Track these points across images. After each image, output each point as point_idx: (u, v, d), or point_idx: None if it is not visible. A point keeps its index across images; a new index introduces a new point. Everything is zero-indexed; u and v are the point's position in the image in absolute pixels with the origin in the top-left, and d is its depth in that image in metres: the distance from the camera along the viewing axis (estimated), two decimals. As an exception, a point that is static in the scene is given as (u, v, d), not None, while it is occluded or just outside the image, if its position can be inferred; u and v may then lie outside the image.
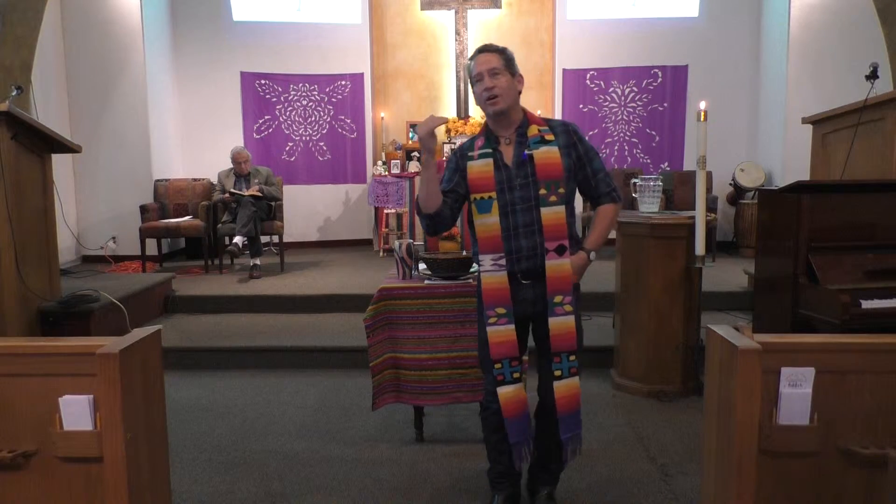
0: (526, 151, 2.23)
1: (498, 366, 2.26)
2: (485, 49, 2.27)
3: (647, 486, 2.69)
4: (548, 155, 2.22)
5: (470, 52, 7.61)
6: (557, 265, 2.22)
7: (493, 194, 2.23)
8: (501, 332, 2.25)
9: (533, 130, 2.26)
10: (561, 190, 2.23)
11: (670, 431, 3.22)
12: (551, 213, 2.22)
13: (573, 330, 2.25)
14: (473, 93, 2.29)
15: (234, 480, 2.79)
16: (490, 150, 2.26)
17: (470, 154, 2.29)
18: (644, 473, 2.79)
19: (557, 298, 2.23)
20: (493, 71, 2.21)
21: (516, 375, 2.27)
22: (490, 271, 2.25)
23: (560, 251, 2.23)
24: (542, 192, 2.21)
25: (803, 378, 1.80)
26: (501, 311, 2.25)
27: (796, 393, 1.80)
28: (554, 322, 2.23)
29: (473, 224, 2.31)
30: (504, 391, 2.26)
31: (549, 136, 2.25)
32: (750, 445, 1.79)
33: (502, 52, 2.26)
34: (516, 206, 2.23)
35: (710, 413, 2.04)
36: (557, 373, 2.25)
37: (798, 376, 1.80)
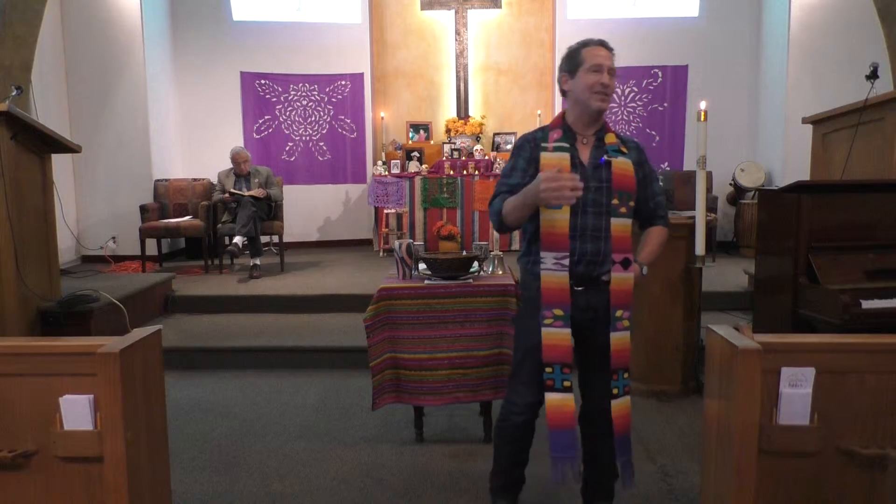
0: (604, 157, 2.17)
1: (549, 370, 2.16)
2: (604, 45, 2.18)
3: (647, 486, 2.69)
4: (625, 166, 2.17)
5: (470, 52, 7.77)
6: (623, 278, 2.16)
7: None
8: (557, 335, 2.14)
9: (612, 139, 2.20)
10: (631, 203, 2.18)
11: (670, 431, 3.22)
12: (620, 225, 2.15)
13: (629, 346, 2.19)
14: (574, 79, 2.18)
15: (234, 480, 2.79)
16: (567, 146, 2.18)
17: (544, 145, 2.19)
18: (644, 473, 2.79)
19: (619, 313, 2.16)
20: (612, 70, 2.15)
21: (567, 384, 2.14)
22: (551, 270, 2.14)
23: (625, 264, 2.16)
24: (615, 201, 2.15)
25: (803, 378, 1.80)
26: (559, 312, 2.14)
27: (796, 393, 1.80)
28: (615, 337, 2.16)
29: (536, 219, 2.18)
30: (552, 398, 2.14)
31: (624, 150, 2.20)
32: (750, 445, 1.79)
33: (615, 55, 2.20)
34: (588, 208, 2.15)
35: (710, 413, 2.04)
36: (615, 391, 2.17)
37: (798, 376, 1.80)
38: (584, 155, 2.19)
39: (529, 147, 2.22)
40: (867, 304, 2.70)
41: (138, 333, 1.97)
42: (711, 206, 6.31)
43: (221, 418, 3.47)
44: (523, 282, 2.30)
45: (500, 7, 7.78)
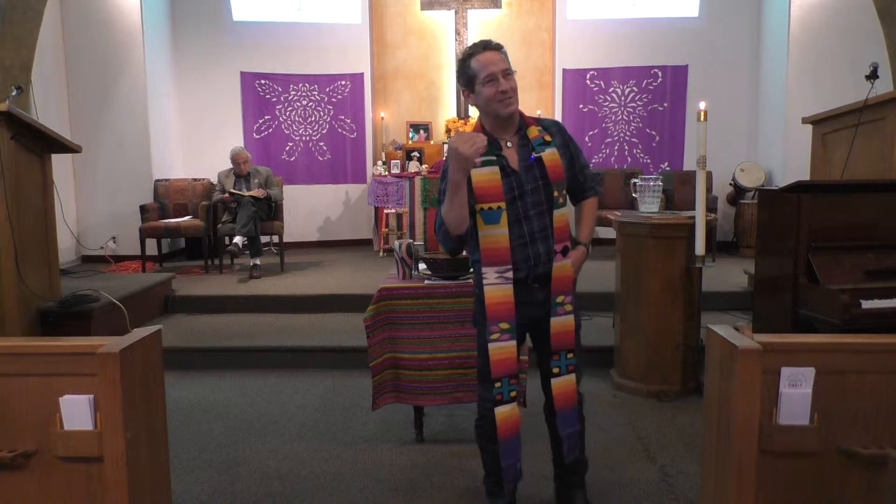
0: (533, 155, 2.16)
1: (498, 384, 2.19)
2: (488, 47, 2.14)
3: (647, 486, 2.69)
4: (553, 157, 2.17)
5: (470, 52, 7.72)
6: (561, 266, 2.20)
7: (503, 204, 2.12)
8: (503, 349, 2.18)
9: (534, 132, 2.20)
10: (564, 191, 2.21)
11: (670, 431, 3.22)
12: (560, 216, 2.18)
13: (572, 329, 2.24)
14: (474, 93, 2.15)
15: (234, 480, 2.79)
16: (494, 157, 2.14)
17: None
18: (644, 473, 2.79)
19: (560, 298, 2.21)
20: (506, 72, 2.12)
21: (513, 395, 2.22)
22: (495, 284, 2.15)
23: (564, 252, 2.21)
24: (555, 194, 2.16)
25: (803, 378, 1.80)
26: (505, 325, 2.17)
27: (796, 393, 1.80)
28: (555, 321, 2.21)
29: (476, 235, 2.17)
30: (501, 411, 2.21)
31: (548, 137, 2.20)
32: (750, 445, 1.79)
33: (504, 51, 2.17)
34: (529, 211, 2.15)
35: (710, 413, 2.04)
36: (555, 370, 2.24)
37: (798, 376, 1.80)
38: (513, 159, 2.18)
39: None
40: (867, 304, 2.70)
41: (138, 333, 1.97)
42: (711, 206, 6.30)
43: (221, 418, 3.47)
44: (478, 282, 2.25)
45: (500, 7, 7.77)
